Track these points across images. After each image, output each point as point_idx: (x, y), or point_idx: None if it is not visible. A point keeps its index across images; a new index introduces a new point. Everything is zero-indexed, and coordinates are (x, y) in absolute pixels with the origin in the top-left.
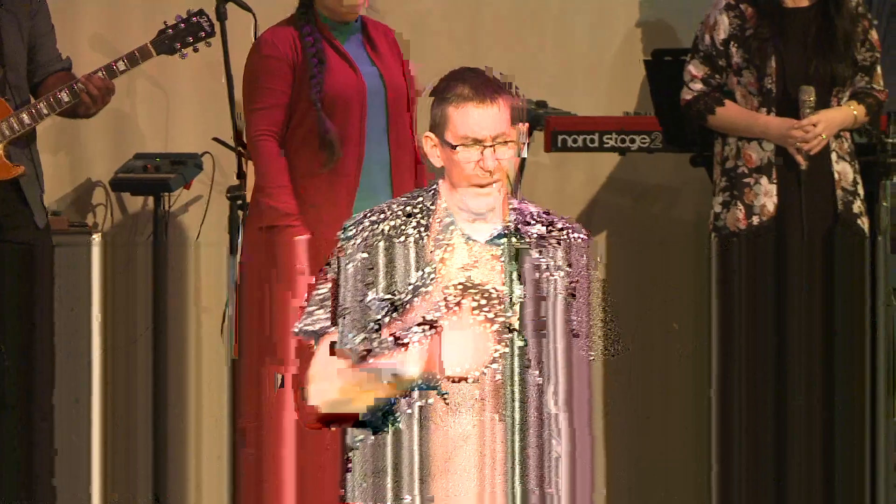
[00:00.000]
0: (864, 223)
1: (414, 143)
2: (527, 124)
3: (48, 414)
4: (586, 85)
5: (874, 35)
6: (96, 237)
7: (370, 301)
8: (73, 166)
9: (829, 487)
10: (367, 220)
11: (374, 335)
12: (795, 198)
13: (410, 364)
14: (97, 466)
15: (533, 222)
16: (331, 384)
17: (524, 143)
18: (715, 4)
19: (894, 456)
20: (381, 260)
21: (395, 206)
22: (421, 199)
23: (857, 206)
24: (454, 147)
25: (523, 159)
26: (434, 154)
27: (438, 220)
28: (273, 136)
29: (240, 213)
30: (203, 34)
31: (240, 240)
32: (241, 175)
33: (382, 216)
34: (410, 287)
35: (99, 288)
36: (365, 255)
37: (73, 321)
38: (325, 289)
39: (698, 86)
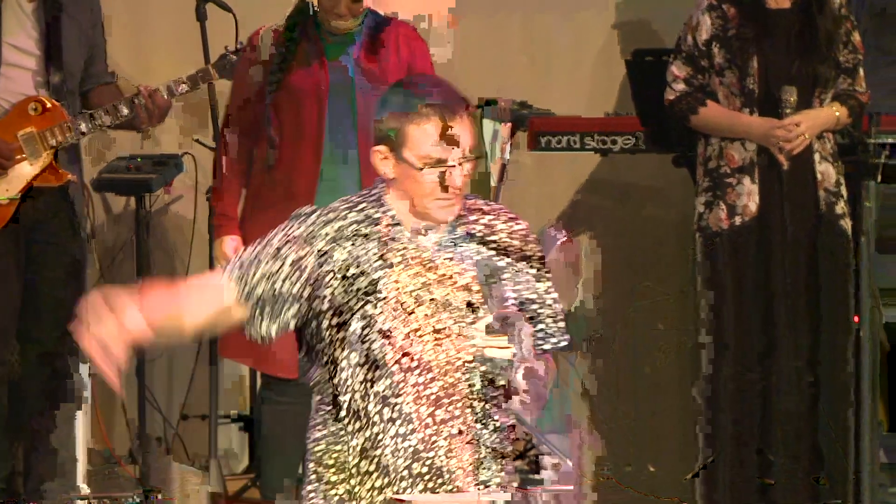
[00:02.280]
0: (846, 224)
1: None
2: (510, 125)
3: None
4: (568, 85)
5: (857, 37)
6: None
7: (316, 297)
8: None
9: (814, 486)
10: (320, 217)
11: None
12: (778, 198)
13: None
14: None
15: (480, 217)
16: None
17: (507, 144)
18: (697, 5)
19: (879, 455)
20: (339, 259)
21: (342, 207)
22: (363, 205)
23: (840, 206)
24: (419, 168)
25: (505, 160)
26: (387, 166)
27: (387, 227)
28: (232, 132)
29: None
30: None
31: None
32: None
33: (332, 215)
34: (360, 292)
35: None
36: (326, 249)
37: None
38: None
39: (681, 86)
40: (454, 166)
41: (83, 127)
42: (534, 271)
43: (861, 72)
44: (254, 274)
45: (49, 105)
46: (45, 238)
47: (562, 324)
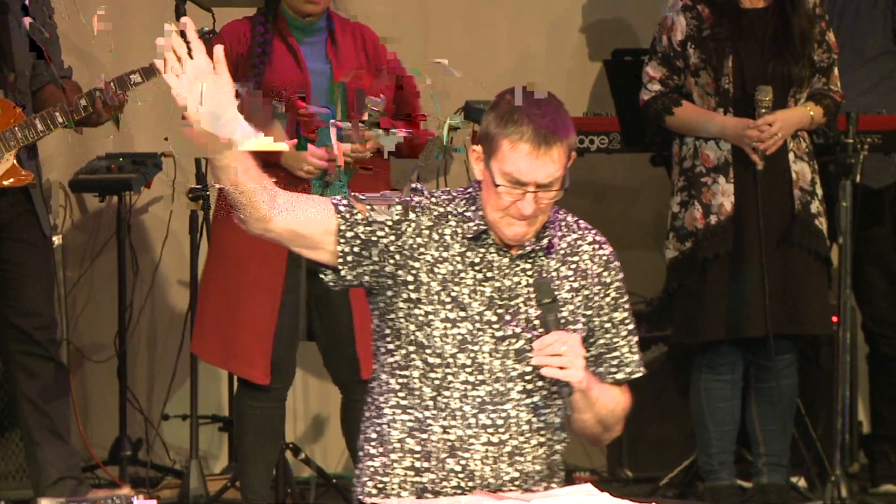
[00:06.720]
0: (822, 223)
1: None
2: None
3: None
4: (543, 86)
5: (831, 37)
6: (57, 239)
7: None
8: None
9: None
10: (431, 197)
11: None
12: (753, 197)
13: None
14: None
15: (567, 234)
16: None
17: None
18: (672, 6)
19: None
20: (433, 240)
21: (444, 197)
22: (458, 201)
23: (815, 205)
24: (496, 185)
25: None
26: (477, 168)
27: (474, 226)
28: None
29: (199, 213)
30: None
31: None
32: (202, 176)
33: (437, 200)
34: (439, 277)
35: (64, 291)
36: (423, 229)
37: None
38: (377, 224)
39: (656, 87)
40: (529, 193)
41: (40, 126)
42: (609, 299)
43: (836, 71)
44: (359, 212)
45: (7, 106)
46: (12, 237)
47: (637, 355)
